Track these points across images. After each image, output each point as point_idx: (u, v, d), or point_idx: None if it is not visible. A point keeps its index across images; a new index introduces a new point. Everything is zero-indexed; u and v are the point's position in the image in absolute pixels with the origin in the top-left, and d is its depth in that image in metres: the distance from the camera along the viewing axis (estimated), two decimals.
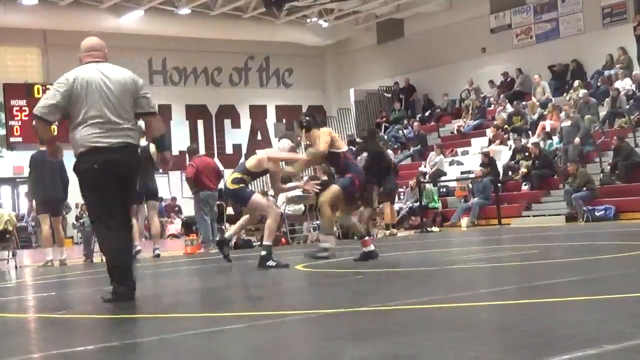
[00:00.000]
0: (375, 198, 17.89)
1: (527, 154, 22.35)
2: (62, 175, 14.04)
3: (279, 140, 10.15)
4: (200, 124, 33.18)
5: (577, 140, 21.27)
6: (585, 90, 23.73)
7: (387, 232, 18.99)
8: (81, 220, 21.20)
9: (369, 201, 17.69)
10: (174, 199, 30.70)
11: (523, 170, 22.12)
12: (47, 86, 29.21)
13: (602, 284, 6.31)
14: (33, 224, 26.12)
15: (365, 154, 17.87)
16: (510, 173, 22.70)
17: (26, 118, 28.69)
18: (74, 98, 6.54)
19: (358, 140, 21.88)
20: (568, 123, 21.87)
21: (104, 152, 6.50)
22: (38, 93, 29.19)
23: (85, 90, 6.54)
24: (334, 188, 10.05)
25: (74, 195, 15.14)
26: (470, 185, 22.37)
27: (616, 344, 3.57)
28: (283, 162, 10.76)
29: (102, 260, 14.62)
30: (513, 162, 22.85)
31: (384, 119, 31.36)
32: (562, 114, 22.87)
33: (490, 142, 25.00)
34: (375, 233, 19.42)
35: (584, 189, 19.51)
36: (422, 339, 4.15)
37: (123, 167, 6.61)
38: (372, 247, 9.65)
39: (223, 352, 4.18)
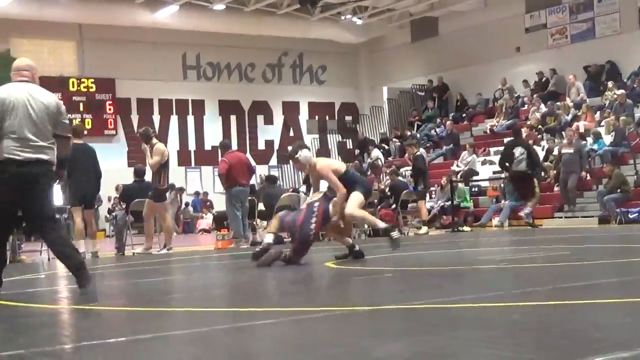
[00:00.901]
0: (537, 189, 19.39)
1: (554, 156, 22.17)
2: (95, 169, 14.14)
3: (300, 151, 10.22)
4: (233, 119, 33.29)
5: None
6: (623, 91, 23.50)
7: (423, 229, 18.99)
8: (113, 214, 21.37)
9: (533, 192, 19.09)
10: (205, 194, 30.84)
11: (552, 172, 21.99)
12: (82, 80, 29.52)
13: (636, 286, 6.26)
14: (65, 216, 26.29)
15: (520, 149, 19.00)
16: (542, 174, 22.54)
17: None
18: (1, 112, 7.13)
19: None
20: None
21: (17, 164, 7.07)
22: (73, 86, 29.48)
23: (11, 106, 7.11)
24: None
25: (106, 188, 15.30)
26: (502, 185, 22.23)
27: None
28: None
29: (133, 253, 14.80)
30: (545, 163, 22.67)
31: (417, 117, 31.28)
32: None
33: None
34: (407, 231, 19.39)
35: (618, 190, 19.34)
36: (452, 338, 4.13)
37: (31, 179, 7.13)
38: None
39: (250, 348, 4.19)
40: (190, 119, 32.47)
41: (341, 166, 10.45)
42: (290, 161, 10.42)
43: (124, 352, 4.18)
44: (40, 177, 7.20)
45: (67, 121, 7.62)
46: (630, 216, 18.76)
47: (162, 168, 14.79)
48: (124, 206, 16.13)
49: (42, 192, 7.28)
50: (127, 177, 18.34)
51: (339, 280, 7.55)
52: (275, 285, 8.09)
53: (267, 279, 8.79)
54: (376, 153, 29.07)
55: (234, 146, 28.83)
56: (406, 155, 22.41)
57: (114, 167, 25.63)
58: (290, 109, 34.51)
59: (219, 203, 24.04)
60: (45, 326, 5.45)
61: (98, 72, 29.87)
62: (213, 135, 31.70)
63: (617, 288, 6.20)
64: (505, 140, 25.65)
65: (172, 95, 31.89)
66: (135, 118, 31.00)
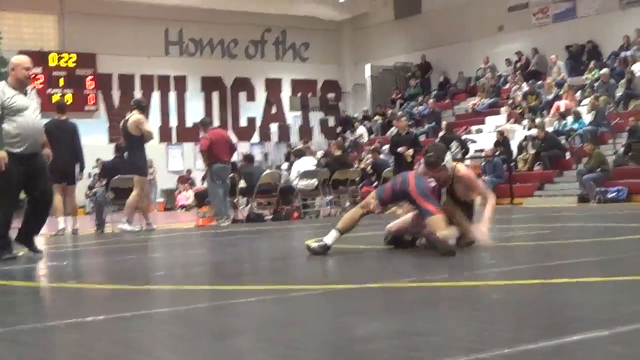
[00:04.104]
0: None
1: (535, 138, 22.14)
2: (74, 144, 13.98)
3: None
4: (215, 96, 33.18)
5: None
6: (607, 70, 23.56)
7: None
8: (93, 190, 21.28)
9: None
10: (188, 171, 30.76)
11: (531, 152, 21.99)
12: (63, 54, 29.27)
13: (615, 265, 6.29)
14: None
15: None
16: (523, 152, 22.62)
17: (41, 86, 28.72)
18: None
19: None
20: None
21: None
22: (53, 61, 29.24)
23: None
24: None
25: (86, 164, 15.15)
26: (483, 163, 22.29)
27: (628, 325, 3.56)
28: None
29: (113, 230, 14.75)
30: (525, 142, 22.70)
31: (399, 95, 31.27)
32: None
33: (507, 120, 24.90)
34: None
35: (598, 170, 19.44)
36: (433, 316, 4.14)
37: None
38: None
39: (233, 325, 4.19)
40: (172, 95, 32.34)
41: None
42: (428, 169, 7.84)
43: (103, 330, 4.16)
44: None
45: None
46: (609, 195, 18.88)
47: None
48: (104, 183, 16.04)
49: None
50: (108, 153, 18.26)
51: (320, 258, 7.55)
52: (257, 263, 8.08)
53: (248, 257, 8.79)
54: (361, 130, 29.12)
55: (216, 123, 28.83)
56: (393, 130, 21.61)
57: (95, 143, 25.47)
58: (273, 85, 34.43)
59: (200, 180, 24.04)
60: (24, 304, 5.42)
61: (79, 47, 29.66)
62: (195, 111, 31.58)
63: (597, 267, 6.23)
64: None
65: (153, 71, 31.73)
66: (116, 94, 30.86)
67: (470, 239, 7.86)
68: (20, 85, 8.81)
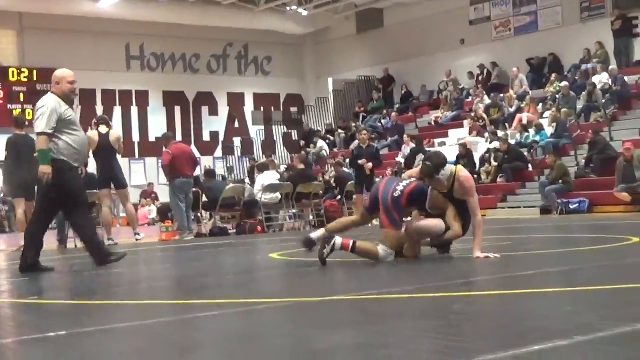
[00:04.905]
0: None
1: (498, 150, 22.29)
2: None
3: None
4: (177, 110, 33.03)
5: None
6: (567, 83, 23.78)
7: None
8: None
9: None
10: (150, 184, 30.58)
11: (494, 164, 22.12)
12: (22, 69, 29.00)
13: (575, 276, 6.36)
14: (7, 208, 25.93)
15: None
16: (486, 165, 22.77)
17: (1, 102, 28.45)
18: None
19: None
20: None
21: None
22: (13, 76, 28.96)
23: None
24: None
25: None
26: None
27: (587, 335, 3.60)
28: None
29: (75, 246, 14.63)
30: (488, 155, 22.86)
31: (362, 108, 31.37)
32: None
33: (469, 133, 25.06)
34: None
35: (560, 181, 19.61)
36: (395, 328, 4.16)
37: None
38: None
39: (196, 339, 4.18)
40: (134, 110, 32.17)
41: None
42: (423, 176, 7.98)
43: (64, 346, 4.13)
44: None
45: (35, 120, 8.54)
46: (571, 207, 19.04)
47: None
48: None
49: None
50: None
51: (284, 271, 7.54)
52: (220, 277, 8.06)
53: (212, 271, 8.76)
54: (321, 144, 29.15)
55: (179, 137, 28.72)
56: (355, 143, 21.73)
57: None
58: (236, 100, 34.37)
59: (164, 194, 23.90)
60: None
61: (39, 62, 29.39)
62: (157, 126, 31.43)
63: (558, 278, 6.29)
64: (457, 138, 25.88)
65: (115, 86, 31.54)
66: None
67: (449, 238, 8.15)
68: (67, 99, 8.58)
